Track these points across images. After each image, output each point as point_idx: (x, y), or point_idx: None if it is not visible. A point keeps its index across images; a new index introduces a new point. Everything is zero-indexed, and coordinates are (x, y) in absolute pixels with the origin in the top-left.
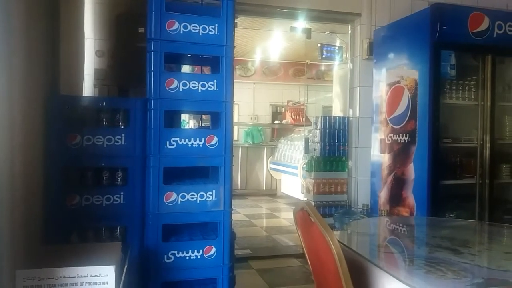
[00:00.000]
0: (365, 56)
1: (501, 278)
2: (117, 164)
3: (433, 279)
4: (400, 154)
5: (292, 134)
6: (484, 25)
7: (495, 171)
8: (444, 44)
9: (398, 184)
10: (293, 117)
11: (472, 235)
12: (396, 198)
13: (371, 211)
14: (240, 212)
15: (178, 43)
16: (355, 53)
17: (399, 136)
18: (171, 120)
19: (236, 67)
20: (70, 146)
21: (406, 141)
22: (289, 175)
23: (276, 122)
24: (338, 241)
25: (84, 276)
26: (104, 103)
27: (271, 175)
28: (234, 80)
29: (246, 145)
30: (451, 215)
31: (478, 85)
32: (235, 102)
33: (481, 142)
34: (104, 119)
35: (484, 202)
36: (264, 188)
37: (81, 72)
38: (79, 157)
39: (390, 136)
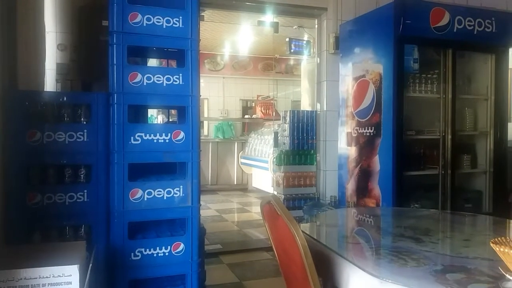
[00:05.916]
0: (332, 51)
1: (460, 264)
2: (80, 161)
3: (395, 268)
4: (366, 146)
5: (263, 129)
6: (444, 20)
7: (456, 162)
8: (408, 38)
9: (364, 176)
10: (263, 111)
11: (434, 224)
12: (362, 189)
13: (339, 202)
14: (211, 207)
15: (141, 36)
16: (322, 47)
17: (364, 129)
18: (137, 115)
19: (205, 61)
20: (30, 143)
21: (372, 133)
22: (260, 169)
23: (246, 116)
24: (304, 232)
25: (47, 277)
26: (64, 98)
27: (242, 170)
28: (203, 75)
29: (217, 140)
30: (415, 205)
31: (440, 78)
32: (204, 97)
33: (443, 134)
34: (66, 115)
35: (446, 192)
36: (235, 183)
37: (41, 66)
38: (39, 154)
39: (356, 129)
